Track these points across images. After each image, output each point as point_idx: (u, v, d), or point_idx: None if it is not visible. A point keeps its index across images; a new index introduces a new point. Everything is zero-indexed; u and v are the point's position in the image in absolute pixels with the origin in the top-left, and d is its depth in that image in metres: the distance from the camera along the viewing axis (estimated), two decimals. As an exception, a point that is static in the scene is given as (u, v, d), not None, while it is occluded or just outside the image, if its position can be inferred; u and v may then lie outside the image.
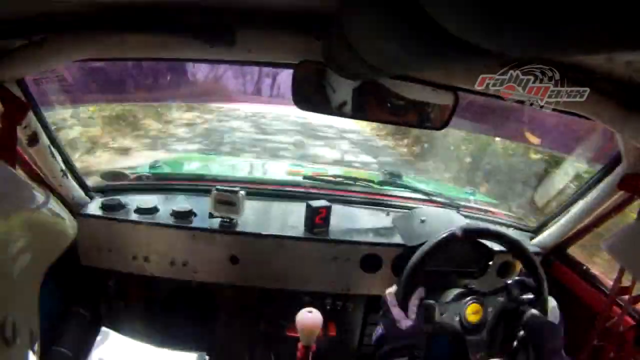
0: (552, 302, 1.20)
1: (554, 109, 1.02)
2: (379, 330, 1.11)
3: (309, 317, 1.15)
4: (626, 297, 1.24)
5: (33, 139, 1.10)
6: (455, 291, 1.26)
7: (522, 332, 1.16)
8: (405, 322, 1.07)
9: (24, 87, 1.02)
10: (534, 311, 1.18)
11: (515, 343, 1.19)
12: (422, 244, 1.26)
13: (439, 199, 1.76)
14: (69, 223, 0.61)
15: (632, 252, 1.11)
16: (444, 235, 1.15)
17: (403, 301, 1.12)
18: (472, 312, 1.20)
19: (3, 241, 0.40)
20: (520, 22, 0.23)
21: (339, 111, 1.03)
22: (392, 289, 1.15)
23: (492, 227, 1.28)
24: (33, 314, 0.45)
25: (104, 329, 1.30)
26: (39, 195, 0.54)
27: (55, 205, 0.58)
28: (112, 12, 0.85)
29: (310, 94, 0.99)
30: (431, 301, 1.19)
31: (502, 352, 1.27)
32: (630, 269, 1.13)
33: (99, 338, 1.26)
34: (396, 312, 1.10)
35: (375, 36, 0.44)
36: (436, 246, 1.14)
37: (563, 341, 1.14)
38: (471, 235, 1.23)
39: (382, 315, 1.12)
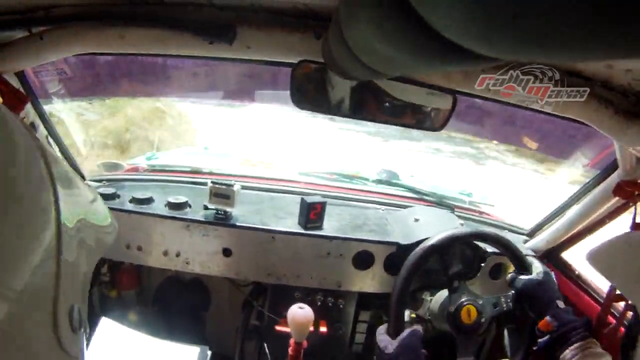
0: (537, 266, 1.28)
1: (552, 114, 1.03)
2: None
3: (300, 313, 1.15)
4: (620, 304, 1.24)
5: None
6: (449, 292, 1.27)
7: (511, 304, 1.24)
8: (391, 346, 1.12)
9: (23, 79, 1.02)
10: (522, 277, 1.24)
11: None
12: (415, 242, 1.27)
13: (433, 199, 1.77)
14: (112, 221, 0.62)
15: (615, 264, 1.10)
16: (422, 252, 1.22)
17: (396, 315, 1.17)
18: (466, 313, 1.21)
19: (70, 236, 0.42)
20: (512, 29, 0.23)
21: (337, 111, 1.03)
22: (384, 327, 1.21)
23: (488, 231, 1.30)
24: (85, 307, 0.48)
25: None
26: (89, 193, 0.55)
27: (101, 203, 0.58)
28: (112, 7, 0.84)
29: (310, 94, 0.99)
30: (428, 297, 1.21)
31: (495, 354, 1.29)
32: (611, 280, 1.13)
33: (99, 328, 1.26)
34: (382, 338, 1.16)
35: (370, 37, 0.44)
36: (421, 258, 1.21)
37: (557, 292, 1.20)
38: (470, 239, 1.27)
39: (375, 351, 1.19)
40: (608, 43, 0.21)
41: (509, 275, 1.28)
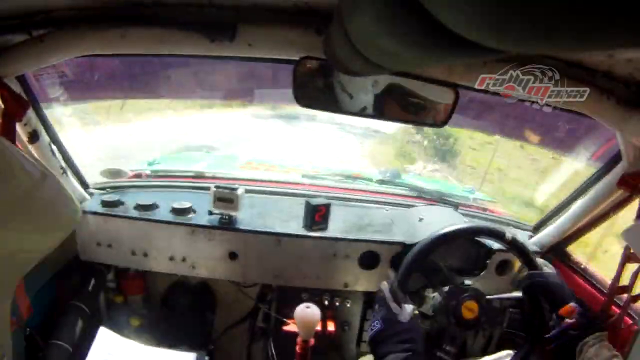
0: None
1: (554, 107, 1.02)
2: (376, 324, 1.08)
3: (307, 311, 1.17)
4: (625, 296, 1.24)
5: (33, 136, 1.10)
6: (453, 288, 1.27)
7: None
8: (404, 315, 1.06)
9: (24, 83, 1.02)
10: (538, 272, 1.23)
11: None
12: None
13: (437, 197, 1.77)
14: (73, 204, 0.59)
15: None
16: (442, 232, 1.20)
17: (401, 288, 1.14)
18: (467, 308, 1.21)
19: None
20: (520, 19, 0.23)
21: (340, 108, 1.03)
22: (387, 282, 1.16)
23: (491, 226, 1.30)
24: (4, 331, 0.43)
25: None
26: (37, 172, 0.52)
27: (57, 184, 0.55)
28: (112, 7, 0.85)
29: (311, 91, 0.99)
30: (431, 294, 1.20)
31: (498, 349, 1.28)
32: None
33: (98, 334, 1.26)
34: (394, 306, 1.09)
35: (374, 31, 0.44)
36: (435, 242, 1.19)
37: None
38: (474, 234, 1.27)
39: (379, 309, 1.11)
40: (613, 32, 0.21)
41: (525, 273, 1.26)
